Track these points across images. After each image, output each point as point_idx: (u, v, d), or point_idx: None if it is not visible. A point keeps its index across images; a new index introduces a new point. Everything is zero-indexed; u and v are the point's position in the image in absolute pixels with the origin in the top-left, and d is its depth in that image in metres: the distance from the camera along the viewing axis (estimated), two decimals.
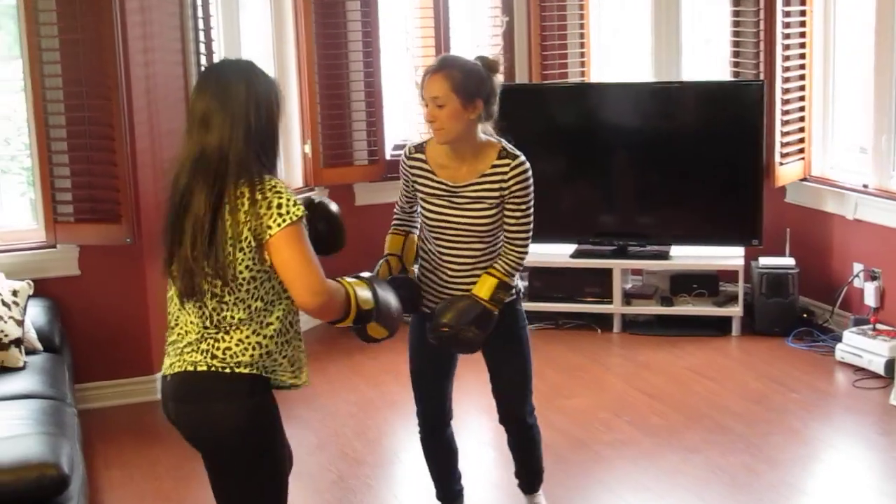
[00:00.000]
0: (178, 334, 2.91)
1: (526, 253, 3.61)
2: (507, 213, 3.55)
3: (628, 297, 6.40)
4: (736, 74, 6.36)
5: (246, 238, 2.74)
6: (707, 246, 6.44)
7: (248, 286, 2.79)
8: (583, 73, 6.78)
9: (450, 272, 3.64)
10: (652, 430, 4.92)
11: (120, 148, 5.12)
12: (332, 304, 2.86)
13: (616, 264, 6.30)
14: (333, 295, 2.86)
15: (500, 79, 3.57)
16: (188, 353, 2.86)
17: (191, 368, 2.84)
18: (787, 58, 6.12)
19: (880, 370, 5.38)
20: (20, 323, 4.67)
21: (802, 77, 6.24)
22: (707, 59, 6.83)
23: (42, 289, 5.09)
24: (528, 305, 6.34)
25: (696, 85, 6.55)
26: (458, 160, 3.55)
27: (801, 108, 6.28)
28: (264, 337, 2.84)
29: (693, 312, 6.31)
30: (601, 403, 5.26)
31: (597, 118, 6.57)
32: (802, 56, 6.21)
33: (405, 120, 6.84)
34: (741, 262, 6.23)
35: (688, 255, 6.41)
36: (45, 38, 5.08)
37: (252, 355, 2.83)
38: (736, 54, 6.34)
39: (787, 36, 6.09)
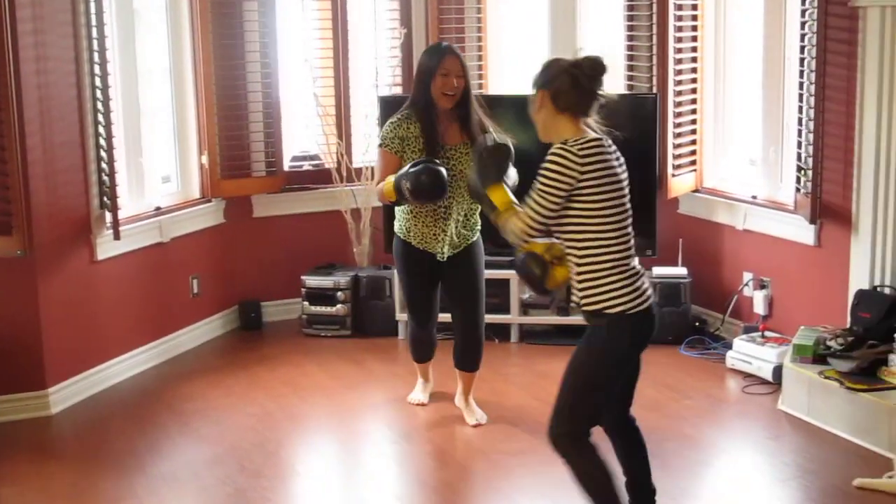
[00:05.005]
0: None
1: (527, 219, 3.79)
2: None
3: (526, 308, 6.46)
4: (630, 87, 6.47)
5: None
6: None
7: None
8: (481, 85, 6.83)
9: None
10: None
11: (11, 159, 5.02)
12: (382, 197, 4.76)
13: (513, 275, 6.34)
14: (380, 191, 4.73)
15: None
16: None
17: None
18: (679, 72, 6.25)
19: (769, 376, 5.53)
20: None
21: (694, 91, 6.38)
22: None
23: None
24: None
25: None
26: None
27: (694, 122, 6.42)
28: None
29: None
30: (500, 413, 5.30)
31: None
32: (694, 70, 6.35)
33: (304, 131, 6.81)
34: None
35: None
36: None
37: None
38: (630, 68, 6.45)
39: (679, 50, 6.23)
